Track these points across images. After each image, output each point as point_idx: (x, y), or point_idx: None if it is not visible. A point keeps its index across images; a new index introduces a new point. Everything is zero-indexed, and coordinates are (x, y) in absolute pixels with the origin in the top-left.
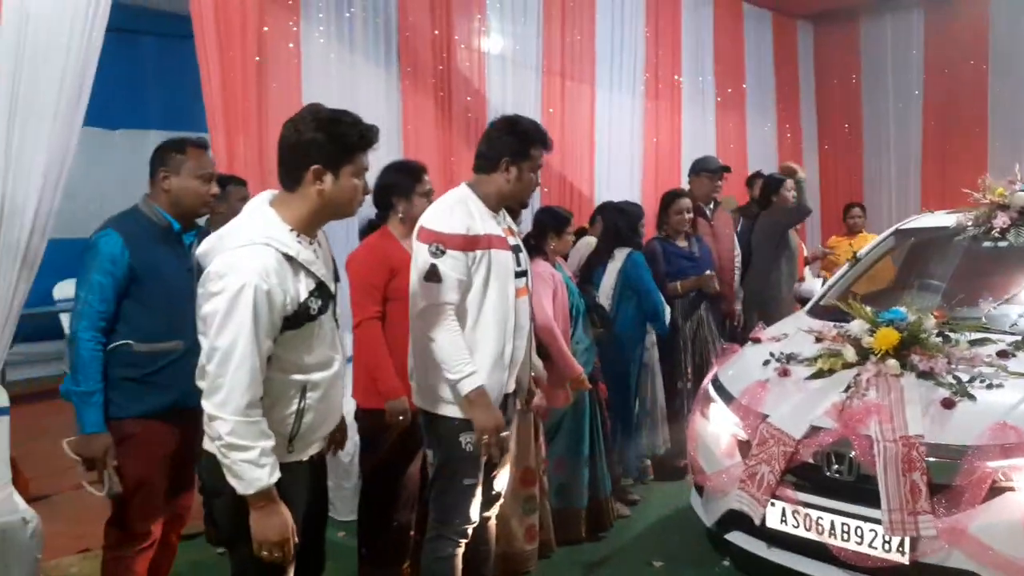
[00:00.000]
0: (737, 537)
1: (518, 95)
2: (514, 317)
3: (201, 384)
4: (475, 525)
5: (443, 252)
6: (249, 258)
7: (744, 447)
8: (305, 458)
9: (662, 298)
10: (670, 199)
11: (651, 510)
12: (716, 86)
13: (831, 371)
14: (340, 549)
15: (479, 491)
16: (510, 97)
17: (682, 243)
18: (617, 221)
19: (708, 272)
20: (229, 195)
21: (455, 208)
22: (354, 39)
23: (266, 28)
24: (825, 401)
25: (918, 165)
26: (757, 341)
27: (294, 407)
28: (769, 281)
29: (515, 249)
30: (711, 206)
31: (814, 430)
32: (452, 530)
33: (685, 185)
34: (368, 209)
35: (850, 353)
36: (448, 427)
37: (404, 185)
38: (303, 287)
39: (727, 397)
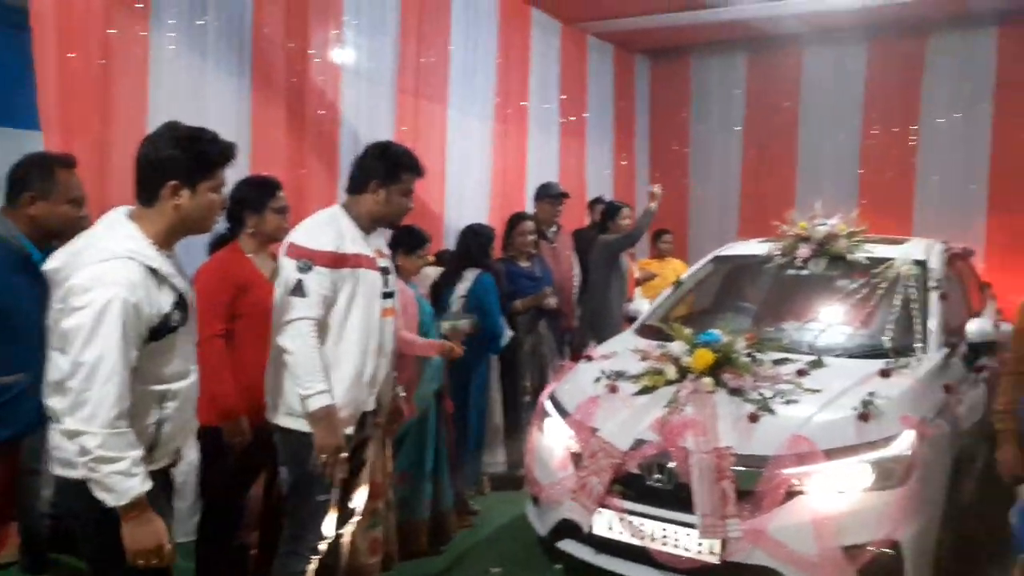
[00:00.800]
0: (568, 545)
1: (372, 111)
2: (378, 337)
3: (55, 402)
4: (329, 541)
5: (310, 268)
6: (115, 271)
7: (577, 459)
8: (160, 467)
9: (503, 322)
10: (515, 221)
11: (490, 520)
12: (560, 113)
13: (654, 387)
14: (180, 572)
15: (333, 507)
16: (364, 113)
17: (524, 263)
18: (470, 242)
19: (547, 289)
20: None
21: (325, 226)
22: (206, 47)
23: (112, 31)
24: (649, 416)
25: (737, 194)
26: (589, 359)
27: (154, 417)
28: (603, 300)
29: (383, 270)
30: (553, 229)
31: (639, 443)
32: (305, 546)
33: (530, 208)
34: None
35: (671, 371)
36: (302, 444)
37: (257, 200)
38: (166, 300)
39: (562, 412)
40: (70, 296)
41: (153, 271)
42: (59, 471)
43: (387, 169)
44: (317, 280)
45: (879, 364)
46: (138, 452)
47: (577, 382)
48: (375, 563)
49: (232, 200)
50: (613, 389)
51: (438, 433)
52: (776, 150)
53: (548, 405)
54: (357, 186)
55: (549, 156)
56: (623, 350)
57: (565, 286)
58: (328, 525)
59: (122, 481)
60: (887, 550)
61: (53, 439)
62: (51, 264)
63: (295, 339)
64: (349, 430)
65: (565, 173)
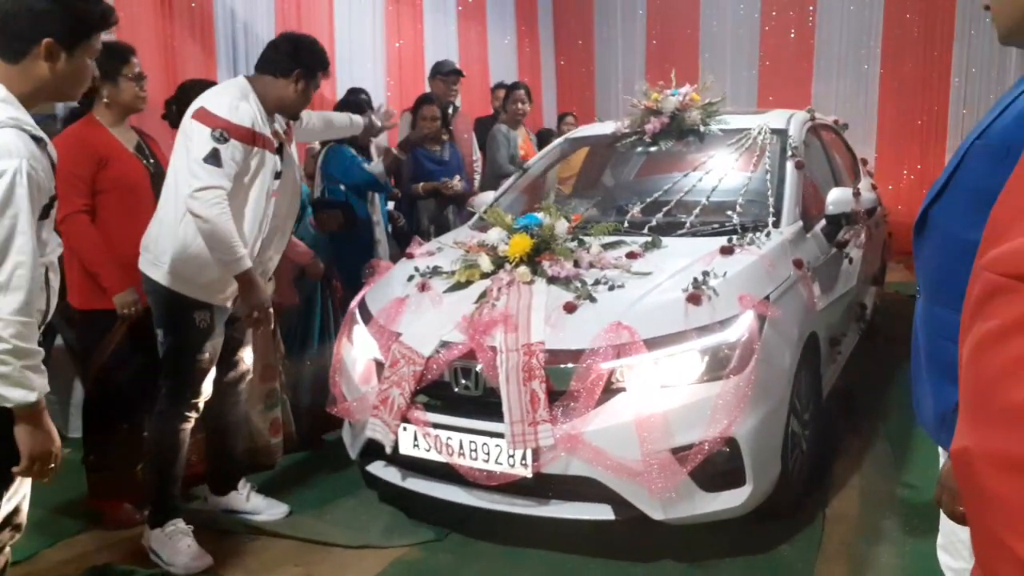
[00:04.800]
0: (377, 468)
1: None
2: (263, 216)
3: None
4: (207, 399)
5: (227, 139)
6: (8, 141)
7: (381, 370)
8: None
9: (365, 174)
10: (419, 103)
11: None
12: None
13: (468, 282)
14: (69, 466)
15: (212, 367)
16: None
17: (433, 147)
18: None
19: (455, 178)
20: None
21: (241, 101)
22: None
23: None
24: (457, 315)
25: (643, 77)
26: (410, 256)
27: (43, 298)
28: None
29: (278, 150)
30: (450, 111)
31: (444, 345)
32: (184, 404)
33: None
34: None
35: (486, 262)
36: (183, 304)
37: (109, 68)
38: (50, 173)
39: (368, 318)
40: None
41: (38, 140)
42: None
43: (311, 63)
44: (231, 152)
45: (722, 242)
46: (39, 345)
47: (388, 283)
48: (277, 443)
49: None
50: (423, 287)
51: (324, 314)
52: (677, 34)
53: (356, 312)
54: (275, 69)
55: (448, 40)
56: (447, 245)
57: (468, 171)
58: (207, 384)
59: (35, 378)
60: (723, 449)
61: None
62: None
63: (211, 207)
64: (229, 304)
65: (466, 58)
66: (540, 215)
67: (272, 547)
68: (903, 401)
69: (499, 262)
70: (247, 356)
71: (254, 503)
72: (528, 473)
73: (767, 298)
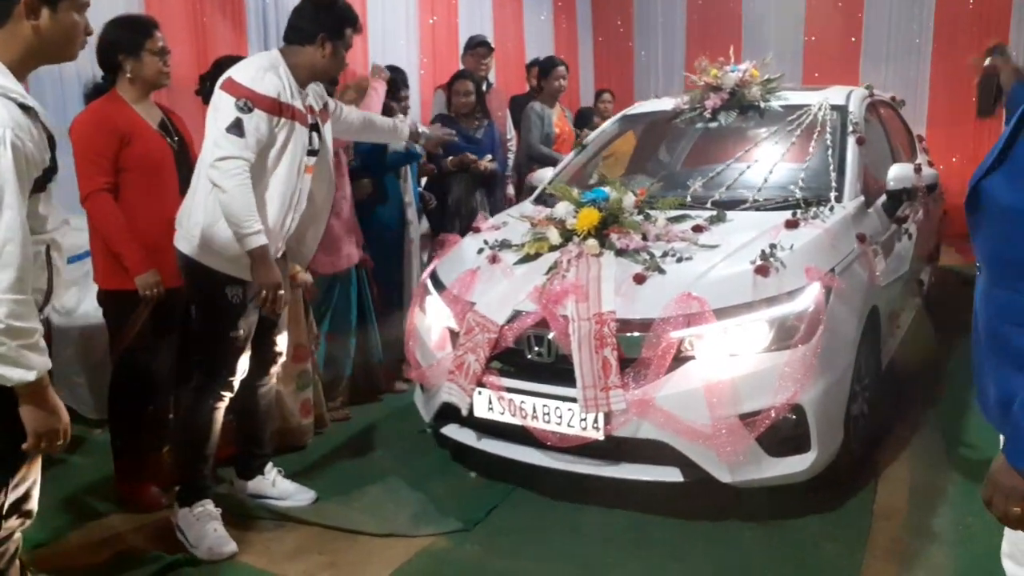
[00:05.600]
0: (451, 430)
1: None
2: (297, 191)
3: None
4: (242, 379)
5: (251, 109)
6: None
7: (455, 338)
8: None
9: (397, 153)
10: (453, 79)
11: None
12: None
13: (537, 255)
14: (95, 446)
15: (247, 346)
16: None
17: (468, 125)
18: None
19: (487, 157)
20: None
21: (268, 72)
22: None
23: None
24: (528, 285)
25: (682, 54)
26: (477, 231)
27: (43, 277)
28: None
29: (313, 127)
30: (483, 87)
31: (517, 314)
32: (218, 383)
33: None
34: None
35: (555, 235)
36: (215, 279)
37: (131, 42)
38: (44, 142)
39: (441, 288)
40: None
41: (27, 109)
42: None
43: (335, 22)
44: (255, 123)
45: (787, 215)
46: (39, 323)
47: (459, 256)
48: (308, 424)
49: (103, 44)
50: (494, 260)
51: (360, 291)
52: (721, 10)
53: (428, 283)
54: (301, 37)
55: (483, 16)
56: (512, 219)
57: (500, 152)
58: (241, 362)
59: (34, 357)
60: (789, 415)
61: None
62: None
63: (230, 178)
64: None
65: (501, 36)
66: (607, 189)
67: (297, 533)
68: (957, 384)
69: (567, 235)
70: (281, 339)
71: (280, 488)
72: (600, 436)
73: (832, 271)
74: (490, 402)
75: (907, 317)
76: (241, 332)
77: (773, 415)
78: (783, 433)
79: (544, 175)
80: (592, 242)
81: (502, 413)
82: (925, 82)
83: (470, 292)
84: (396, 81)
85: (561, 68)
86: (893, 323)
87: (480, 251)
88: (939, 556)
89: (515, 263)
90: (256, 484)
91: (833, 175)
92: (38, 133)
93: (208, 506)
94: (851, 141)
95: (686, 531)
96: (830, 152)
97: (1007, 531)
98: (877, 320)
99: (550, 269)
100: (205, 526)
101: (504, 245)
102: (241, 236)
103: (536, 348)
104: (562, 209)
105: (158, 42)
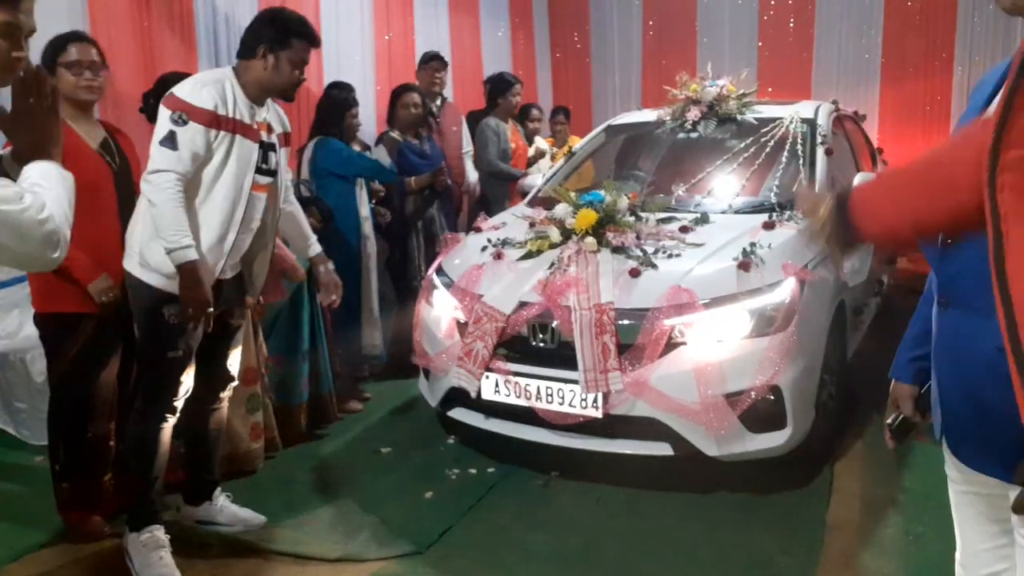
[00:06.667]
0: (459, 413)
1: None
2: (245, 209)
3: None
4: (193, 403)
5: (186, 122)
6: None
7: (463, 328)
8: None
9: (367, 160)
10: (398, 92)
11: (383, 404)
12: None
13: (539, 252)
14: (38, 473)
15: (189, 365)
16: None
17: (415, 140)
18: (322, 104)
19: (443, 167)
20: None
21: (209, 85)
22: None
23: None
24: (532, 279)
25: (639, 70)
26: (479, 230)
27: None
28: (489, 180)
29: (266, 146)
30: (437, 103)
31: (522, 305)
32: (160, 405)
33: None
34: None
35: (555, 234)
36: (154, 296)
37: (47, 60)
38: None
39: (448, 283)
40: None
41: None
42: None
43: (276, 34)
44: (190, 135)
45: (763, 218)
46: None
47: (464, 253)
48: (258, 448)
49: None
50: (499, 256)
51: (312, 313)
52: (676, 24)
53: (435, 278)
54: (246, 51)
55: (439, 32)
56: (512, 220)
57: (453, 164)
58: (184, 383)
59: None
60: (768, 395)
61: None
62: None
63: (160, 191)
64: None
65: (458, 52)
66: (602, 192)
67: (246, 561)
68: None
69: (567, 234)
70: (233, 363)
71: (228, 514)
72: (599, 414)
73: (806, 266)
74: (497, 385)
75: (869, 312)
76: (180, 352)
77: (754, 395)
78: (763, 411)
79: (533, 181)
80: (590, 240)
81: (508, 395)
82: (875, 93)
83: (478, 285)
84: (347, 100)
85: (517, 86)
86: (858, 317)
87: (484, 248)
88: (890, 566)
89: (519, 259)
90: (204, 510)
91: (804, 182)
92: None
93: (157, 532)
94: (820, 151)
95: (637, 551)
96: (801, 161)
97: (959, 539)
98: (843, 314)
99: (552, 264)
100: (150, 554)
101: (507, 243)
102: (169, 250)
103: (540, 335)
104: (561, 210)
105: (71, 55)
